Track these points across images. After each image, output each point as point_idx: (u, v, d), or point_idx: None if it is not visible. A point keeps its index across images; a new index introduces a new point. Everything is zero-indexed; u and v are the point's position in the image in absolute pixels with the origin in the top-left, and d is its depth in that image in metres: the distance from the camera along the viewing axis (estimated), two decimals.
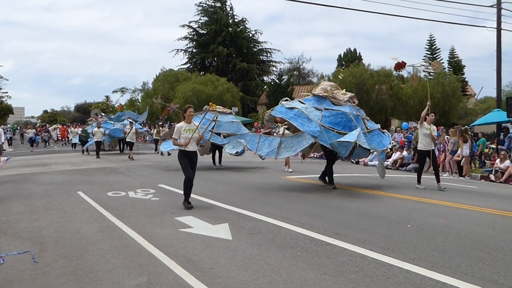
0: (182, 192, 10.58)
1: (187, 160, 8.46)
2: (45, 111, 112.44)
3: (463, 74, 40.74)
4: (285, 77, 49.81)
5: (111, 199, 9.79)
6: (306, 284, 4.43)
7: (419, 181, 11.74)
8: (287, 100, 12.46)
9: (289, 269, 4.86)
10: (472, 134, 19.14)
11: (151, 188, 11.21)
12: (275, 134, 16.86)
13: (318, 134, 10.67)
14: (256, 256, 5.36)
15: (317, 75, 59.96)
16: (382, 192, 10.70)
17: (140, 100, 59.53)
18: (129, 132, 22.51)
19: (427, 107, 11.61)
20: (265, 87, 52.44)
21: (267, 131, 23.60)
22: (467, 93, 39.48)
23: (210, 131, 15.89)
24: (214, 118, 16.30)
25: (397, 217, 7.71)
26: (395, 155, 19.20)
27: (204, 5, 55.74)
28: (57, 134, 44.40)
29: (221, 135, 16.81)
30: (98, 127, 23.60)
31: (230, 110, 17.91)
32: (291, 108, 11.59)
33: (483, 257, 5.33)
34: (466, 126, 19.78)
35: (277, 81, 48.01)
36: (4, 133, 44.61)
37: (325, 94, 11.74)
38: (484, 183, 14.35)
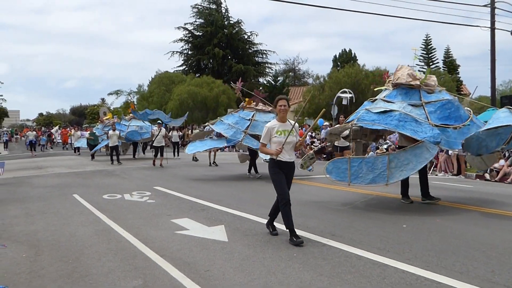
0: (178, 194, 10.66)
1: (283, 173, 6.23)
2: (41, 114, 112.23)
3: (458, 73, 40.93)
4: (280, 78, 49.90)
5: (107, 201, 9.77)
6: (302, 285, 4.44)
7: None
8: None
9: (285, 270, 4.87)
10: None
11: (147, 191, 11.20)
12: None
13: (439, 138, 8.18)
14: (252, 258, 5.36)
15: (312, 76, 60.06)
16: (377, 192, 10.72)
17: (135, 103, 59.41)
18: (157, 135, 19.11)
19: None
20: (260, 88, 52.51)
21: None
22: (461, 92, 39.64)
23: (243, 131, 13.86)
24: (251, 117, 14.26)
25: (392, 217, 7.73)
26: None
27: (200, 7, 55.71)
28: (59, 135, 40.87)
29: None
30: (113, 130, 20.92)
31: (271, 108, 15.00)
32: (385, 112, 8.78)
33: (478, 256, 5.35)
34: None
35: (273, 82, 48.14)
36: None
37: (416, 82, 9.08)
38: (479, 182, 14.39)
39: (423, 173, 9.12)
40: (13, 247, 6.12)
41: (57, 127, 45.62)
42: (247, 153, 15.35)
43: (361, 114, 9.08)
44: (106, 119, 27.07)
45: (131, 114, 24.89)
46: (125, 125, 23.57)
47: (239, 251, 5.67)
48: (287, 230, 6.11)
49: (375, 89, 10.70)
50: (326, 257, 5.33)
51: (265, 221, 7.35)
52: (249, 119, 14.15)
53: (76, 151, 29.74)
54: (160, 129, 19.30)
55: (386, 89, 9.65)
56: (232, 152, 26.64)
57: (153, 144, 19.23)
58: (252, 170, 14.68)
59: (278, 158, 6.12)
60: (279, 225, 7.02)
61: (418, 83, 9.03)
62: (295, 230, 6.06)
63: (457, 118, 8.76)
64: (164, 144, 19.27)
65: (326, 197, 10.11)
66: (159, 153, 18.86)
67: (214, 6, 56.02)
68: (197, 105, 40.65)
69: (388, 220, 7.49)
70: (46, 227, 7.32)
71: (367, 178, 8.57)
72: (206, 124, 18.25)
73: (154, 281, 4.63)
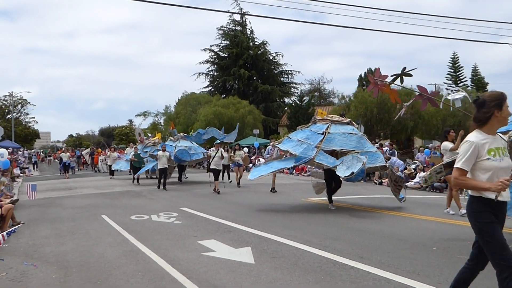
0: (205, 215, 10.68)
1: (498, 221, 3.79)
2: (71, 136, 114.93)
3: (486, 91, 40.36)
4: (306, 98, 49.95)
5: (135, 222, 9.88)
6: None
7: None
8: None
9: None
10: None
11: (174, 212, 11.26)
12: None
13: None
14: (279, 281, 5.32)
15: (337, 95, 59.94)
16: (406, 213, 10.53)
17: (162, 124, 60.31)
18: (214, 156, 16.66)
19: None
20: (286, 108, 52.63)
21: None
22: None
23: (316, 146, 11.46)
24: (325, 130, 11.93)
25: (422, 239, 7.57)
26: (420, 175, 18.93)
27: (225, 28, 56.65)
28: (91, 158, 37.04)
29: (338, 153, 11.69)
30: (163, 150, 18.56)
31: (349, 119, 12.88)
32: None
33: None
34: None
35: (298, 102, 48.18)
36: (30, 157, 45.61)
37: None
38: None
39: None
40: (43, 267, 6.23)
41: (88, 149, 43.13)
42: (323, 181, 12.38)
43: None
44: (154, 139, 23.83)
45: (180, 134, 22.91)
46: (171, 145, 21.15)
47: (266, 273, 5.64)
48: None
49: None
50: (354, 281, 5.25)
51: (292, 243, 7.29)
52: (322, 133, 11.85)
53: (112, 174, 26.17)
54: (218, 149, 16.71)
55: None
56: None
57: (211, 167, 16.70)
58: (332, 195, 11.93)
59: (496, 197, 3.66)
60: (307, 247, 6.94)
61: None
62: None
63: None
64: (221, 169, 17.25)
65: (353, 219, 9.99)
66: (218, 177, 16.77)
67: (239, 28, 56.88)
68: (223, 126, 40.95)
69: (417, 242, 7.33)
70: (75, 248, 7.44)
71: None
72: (269, 144, 16.44)
73: None
